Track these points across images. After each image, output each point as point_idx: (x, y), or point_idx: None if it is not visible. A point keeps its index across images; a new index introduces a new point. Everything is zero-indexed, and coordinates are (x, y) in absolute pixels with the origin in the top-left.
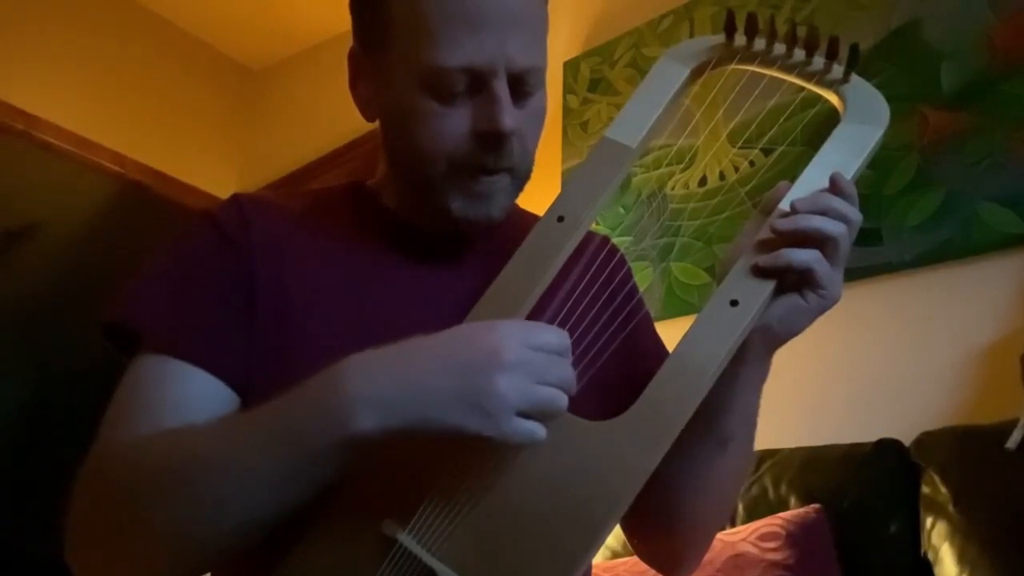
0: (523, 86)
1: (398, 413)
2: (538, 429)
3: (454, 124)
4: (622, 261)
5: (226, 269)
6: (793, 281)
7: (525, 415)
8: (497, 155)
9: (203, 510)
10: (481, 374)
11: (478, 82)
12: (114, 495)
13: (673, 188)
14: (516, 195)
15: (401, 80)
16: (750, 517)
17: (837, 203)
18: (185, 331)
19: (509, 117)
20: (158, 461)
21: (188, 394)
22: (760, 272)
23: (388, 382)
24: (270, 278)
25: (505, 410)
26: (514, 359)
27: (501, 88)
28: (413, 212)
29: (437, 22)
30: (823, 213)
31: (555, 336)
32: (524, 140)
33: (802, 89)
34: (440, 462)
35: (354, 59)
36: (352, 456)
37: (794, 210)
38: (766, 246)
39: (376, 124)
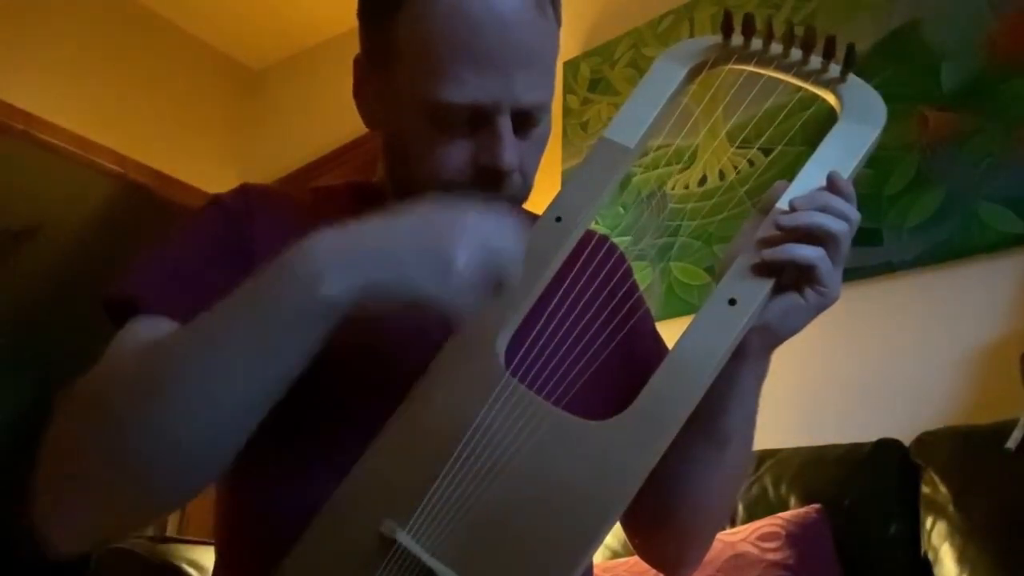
0: (528, 120)
1: (362, 271)
2: (484, 301)
3: (454, 154)
4: (621, 259)
5: (228, 245)
6: (792, 279)
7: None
8: (496, 189)
9: (186, 406)
10: (445, 240)
11: (481, 117)
12: (87, 416)
13: (672, 188)
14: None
15: (404, 105)
16: (750, 517)
17: (836, 202)
18: (183, 295)
19: (511, 154)
20: (132, 367)
21: None
22: (761, 269)
23: (353, 248)
24: (271, 251)
25: (461, 275)
26: (473, 229)
27: (504, 125)
28: None
29: (443, 57)
30: (823, 211)
31: (501, 216)
32: (526, 171)
33: (800, 89)
34: (439, 462)
35: (359, 67)
36: (326, 326)
37: (793, 208)
38: (767, 243)
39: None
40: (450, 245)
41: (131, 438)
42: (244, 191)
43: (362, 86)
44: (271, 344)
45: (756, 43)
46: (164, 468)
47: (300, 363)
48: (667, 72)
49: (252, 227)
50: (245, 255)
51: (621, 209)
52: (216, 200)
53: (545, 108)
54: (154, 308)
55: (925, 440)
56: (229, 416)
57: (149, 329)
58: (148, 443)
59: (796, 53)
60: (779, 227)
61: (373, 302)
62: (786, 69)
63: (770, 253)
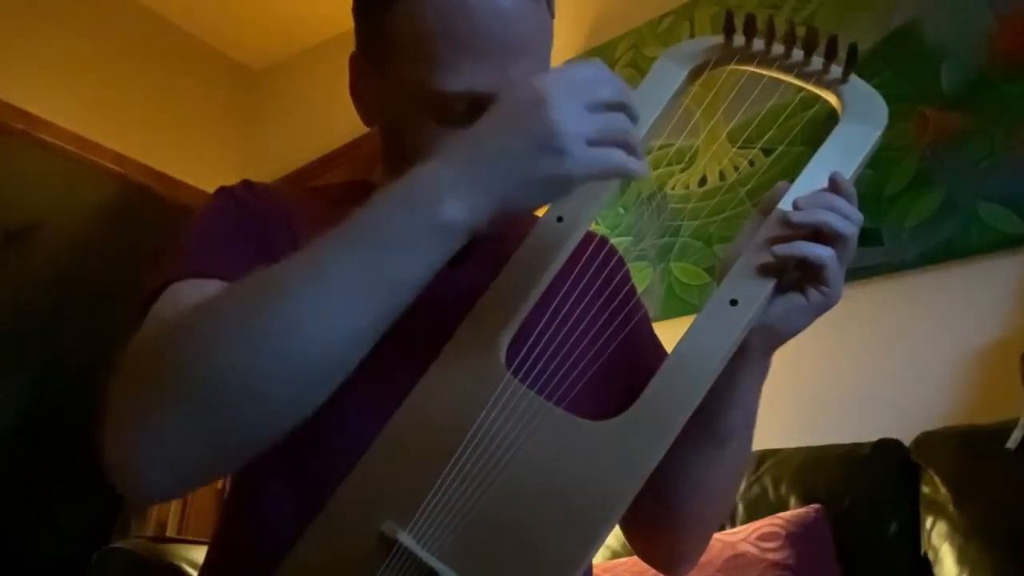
0: None
1: (481, 190)
2: (616, 155)
3: None
4: (620, 261)
5: (244, 220)
6: (794, 280)
7: (595, 144)
8: None
9: (297, 328)
10: (534, 120)
11: (479, 106)
12: (179, 344)
13: (673, 188)
14: None
15: (401, 97)
16: (750, 517)
17: (839, 202)
18: (218, 256)
19: None
20: (230, 294)
21: None
22: (766, 268)
23: (461, 167)
24: (282, 239)
25: (574, 141)
26: (568, 91)
27: None
28: None
29: (438, 46)
30: (828, 211)
31: (587, 66)
32: None
33: (802, 89)
34: (441, 462)
35: (355, 64)
36: (442, 251)
37: (797, 208)
38: (777, 241)
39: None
40: (545, 116)
41: (240, 379)
42: (249, 185)
43: (359, 83)
44: (392, 271)
45: (758, 44)
46: (276, 380)
47: (416, 286)
48: (668, 72)
49: (263, 216)
50: (263, 237)
51: (621, 209)
52: (225, 189)
53: None
54: (195, 272)
55: (925, 440)
56: (343, 346)
57: (195, 287)
58: (254, 381)
59: (798, 54)
60: (790, 224)
61: (504, 212)
62: (788, 70)
63: (781, 249)
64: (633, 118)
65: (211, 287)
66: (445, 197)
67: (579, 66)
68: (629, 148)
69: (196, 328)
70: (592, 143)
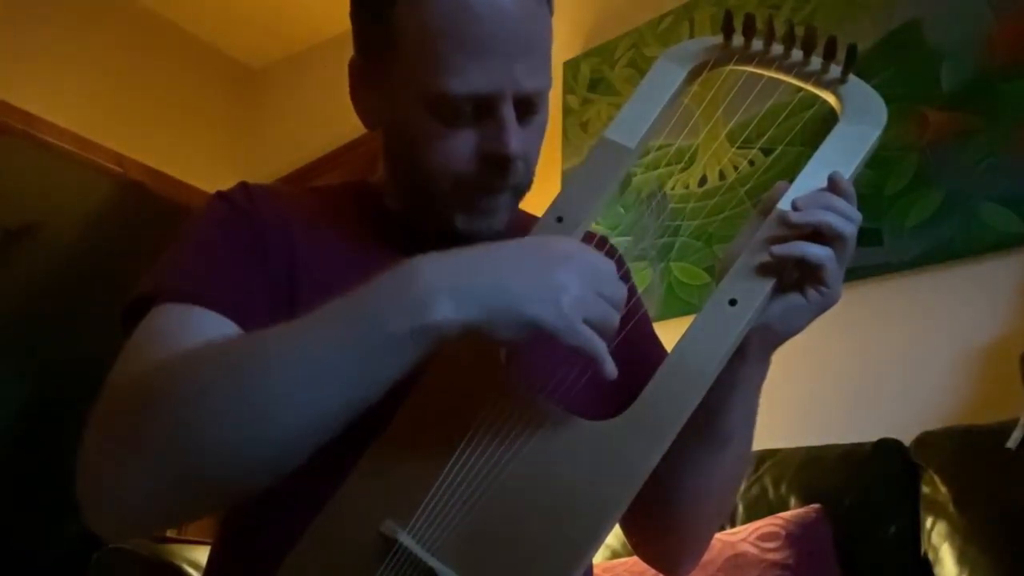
0: (529, 107)
1: (477, 302)
2: (600, 343)
3: (459, 145)
4: (620, 261)
5: (239, 229)
6: (793, 280)
7: (587, 323)
8: (503, 177)
9: (274, 397)
10: (559, 272)
11: (485, 107)
12: (158, 401)
13: (673, 188)
14: (517, 206)
15: (405, 100)
16: (750, 517)
17: (839, 203)
18: (202, 280)
19: (516, 141)
20: (219, 356)
21: (214, 331)
22: (765, 268)
23: (465, 275)
24: (280, 246)
25: (578, 310)
26: (588, 267)
27: (508, 113)
28: (415, 216)
29: (443, 48)
30: (827, 211)
31: (610, 262)
32: (529, 159)
33: (801, 89)
34: (441, 461)
35: (355, 68)
36: (425, 352)
37: (796, 208)
38: (775, 241)
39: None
40: (561, 274)
41: (206, 445)
42: (246, 189)
43: (359, 87)
44: (367, 364)
45: (757, 44)
46: (229, 480)
47: (394, 379)
48: (668, 73)
49: (261, 224)
50: (260, 250)
51: (621, 209)
52: (222, 196)
53: (545, 95)
54: (182, 296)
55: (925, 440)
56: (311, 427)
57: (183, 322)
58: (221, 450)
59: (797, 54)
60: (788, 224)
61: (482, 332)
62: (787, 70)
63: (780, 249)
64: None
65: (196, 320)
66: (438, 299)
67: (603, 258)
68: (609, 342)
69: (178, 392)
70: (586, 321)
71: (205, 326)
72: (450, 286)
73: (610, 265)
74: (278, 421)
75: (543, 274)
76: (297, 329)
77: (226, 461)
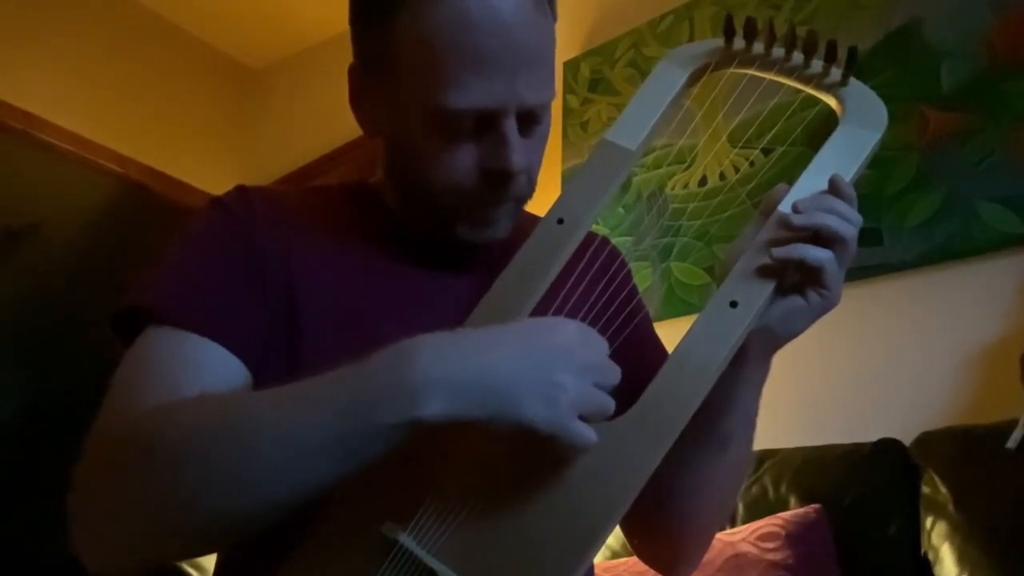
0: (532, 119)
1: (468, 398)
2: (592, 434)
3: (461, 159)
4: (622, 262)
5: (237, 247)
6: (794, 282)
7: (581, 417)
8: (505, 191)
9: (255, 474)
10: (558, 370)
11: (486, 121)
12: (146, 458)
13: (673, 188)
14: (519, 213)
15: (407, 113)
16: (750, 517)
17: (839, 205)
18: (199, 304)
19: (519, 157)
20: (205, 421)
21: (209, 365)
22: (766, 270)
23: (461, 366)
24: (278, 259)
25: (572, 408)
26: (585, 361)
27: (510, 128)
28: (414, 219)
29: (446, 62)
30: (828, 214)
31: (604, 344)
32: (531, 171)
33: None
34: (441, 462)
35: (355, 77)
36: (411, 436)
37: (796, 211)
38: (776, 243)
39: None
40: (559, 373)
41: (190, 504)
42: (244, 194)
43: (359, 95)
44: (357, 448)
45: (758, 47)
46: (207, 538)
47: (375, 459)
48: (669, 76)
49: (259, 233)
50: (259, 268)
51: (622, 210)
52: (219, 203)
53: (548, 106)
54: (175, 321)
55: (925, 440)
56: (290, 497)
57: (175, 351)
58: (202, 510)
59: (798, 57)
60: (789, 226)
61: (475, 423)
62: (788, 73)
63: (780, 251)
64: None
65: (191, 353)
66: (430, 394)
67: (601, 341)
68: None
69: (166, 455)
70: (582, 416)
71: (202, 361)
72: (445, 379)
73: (605, 346)
74: (261, 492)
75: (542, 374)
76: (288, 407)
77: (213, 520)
